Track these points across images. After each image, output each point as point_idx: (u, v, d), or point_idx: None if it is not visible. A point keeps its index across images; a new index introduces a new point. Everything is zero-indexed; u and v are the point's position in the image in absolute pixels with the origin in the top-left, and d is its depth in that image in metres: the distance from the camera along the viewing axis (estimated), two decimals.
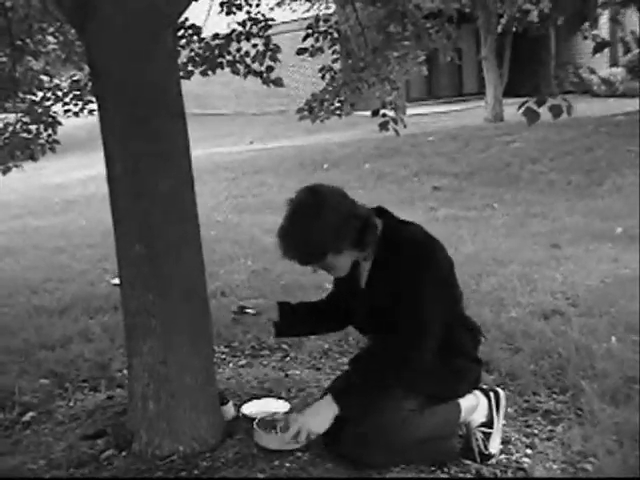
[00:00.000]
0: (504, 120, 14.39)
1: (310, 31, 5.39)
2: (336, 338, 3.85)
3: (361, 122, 14.86)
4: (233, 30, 5.29)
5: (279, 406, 2.98)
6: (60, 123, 5.35)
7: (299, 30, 6.25)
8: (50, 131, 5.34)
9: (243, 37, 5.31)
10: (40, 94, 5.35)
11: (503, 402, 2.72)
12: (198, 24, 5.24)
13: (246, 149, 14.43)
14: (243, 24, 5.36)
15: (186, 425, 2.66)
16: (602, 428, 2.74)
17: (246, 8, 5.53)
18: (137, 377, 2.67)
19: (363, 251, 2.46)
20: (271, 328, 2.90)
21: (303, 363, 3.67)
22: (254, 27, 5.37)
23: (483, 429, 2.61)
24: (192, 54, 5.19)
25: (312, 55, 5.30)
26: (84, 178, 12.05)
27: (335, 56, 5.58)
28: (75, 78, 5.53)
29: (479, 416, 2.63)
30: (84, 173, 12.65)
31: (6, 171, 5.36)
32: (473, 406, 2.61)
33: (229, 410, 2.91)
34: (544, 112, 3.03)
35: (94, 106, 3.19)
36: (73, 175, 12.90)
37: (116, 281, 2.78)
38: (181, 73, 4.78)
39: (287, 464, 2.53)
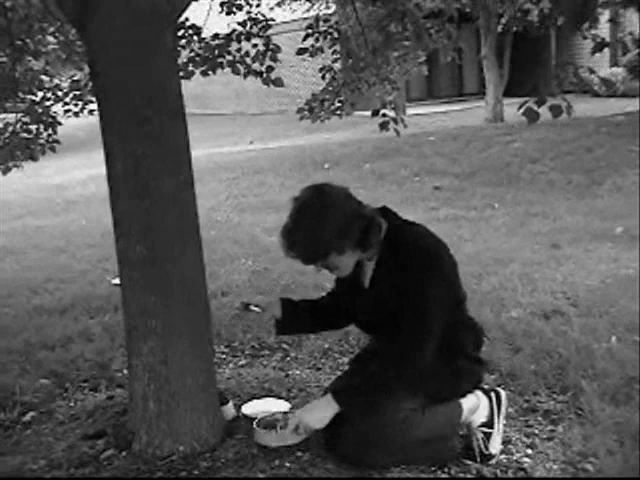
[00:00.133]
0: (504, 120, 14.39)
1: (310, 31, 5.39)
2: (336, 338, 3.85)
3: (361, 122, 14.88)
4: (233, 30, 5.29)
5: (279, 406, 2.99)
6: (60, 123, 5.34)
7: (299, 30, 6.25)
8: (50, 131, 5.33)
9: (243, 37, 5.31)
10: (40, 94, 5.35)
11: (504, 402, 2.72)
12: (198, 24, 5.23)
13: (246, 149, 14.43)
14: (243, 24, 5.35)
15: (186, 425, 2.66)
16: (603, 428, 2.74)
17: (246, 8, 5.53)
18: (137, 377, 2.67)
19: (366, 251, 2.46)
20: (272, 327, 2.89)
21: (303, 363, 3.67)
22: (254, 27, 5.37)
23: (484, 429, 2.61)
24: (192, 54, 5.19)
25: (312, 55, 5.30)
26: (84, 178, 12.04)
27: (335, 56, 5.58)
28: (75, 78, 5.53)
29: (480, 416, 2.63)
30: (84, 173, 12.65)
31: (6, 171, 5.35)
32: (474, 406, 2.61)
33: (229, 410, 2.91)
34: (544, 112, 3.03)
35: (94, 106, 3.19)
36: (73, 175, 12.90)
37: (117, 281, 2.79)
38: (181, 73, 4.77)
39: (287, 464, 2.53)
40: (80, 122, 8.10)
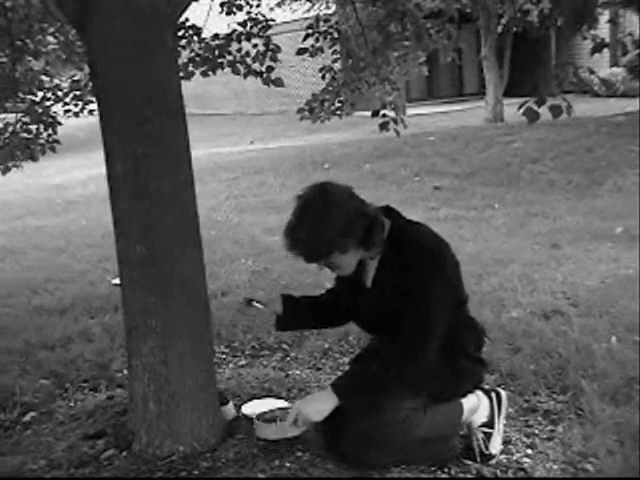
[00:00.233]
0: (504, 120, 14.39)
1: (310, 31, 5.39)
2: (336, 338, 3.85)
3: (361, 122, 14.88)
4: (233, 30, 5.29)
5: (279, 406, 2.98)
6: (60, 123, 5.34)
7: (299, 30, 6.25)
8: (50, 131, 5.33)
9: (243, 37, 5.31)
10: (40, 94, 5.35)
11: (504, 403, 2.72)
12: (198, 24, 5.24)
13: (246, 149, 14.43)
14: (243, 24, 5.35)
15: (186, 425, 2.66)
16: (603, 428, 2.74)
17: (246, 8, 5.53)
18: (138, 377, 2.67)
19: (369, 250, 2.46)
20: (272, 324, 2.89)
21: (303, 363, 3.67)
22: (254, 27, 5.37)
23: (484, 429, 2.61)
24: (192, 54, 5.19)
25: (312, 55, 5.30)
26: (84, 178, 12.05)
27: (335, 56, 5.58)
28: (75, 78, 5.53)
29: (480, 416, 2.63)
30: (84, 173, 12.65)
31: (6, 171, 5.35)
32: (475, 406, 2.61)
33: (229, 410, 2.91)
34: (544, 112, 3.03)
35: (94, 106, 3.19)
36: (73, 175, 12.90)
37: (117, 281, 2.79)
38: (181, 74, 4.77)
39: (288, 464, 2.53)
40: (80, 122, 8.10)
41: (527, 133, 11.29)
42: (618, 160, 9.31)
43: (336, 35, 5.45)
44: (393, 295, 2.43)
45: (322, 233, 2.34)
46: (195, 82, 5.49)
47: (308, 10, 14.07)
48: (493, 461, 2.57)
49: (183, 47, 5.11)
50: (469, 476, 2.50)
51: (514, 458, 2.62)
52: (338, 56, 5.63)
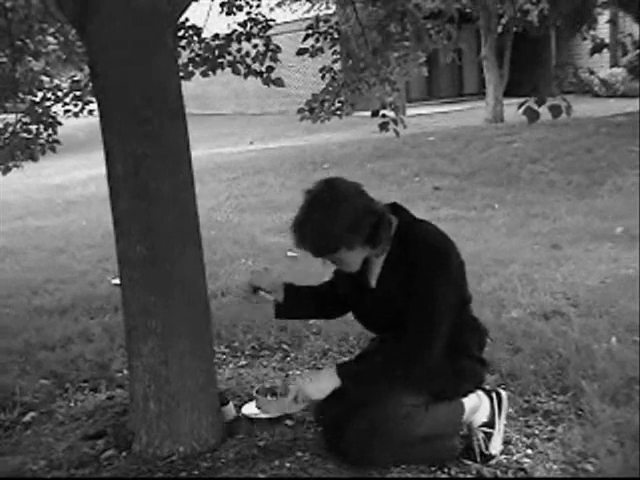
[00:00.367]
0: (504, 120, 14.39)
1: (310, 31, 5.39)
2: (336, 338, 3.85)
3: (361, 122, 14.89)
4: (234, 30, 5.29)
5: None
6: (60, 123, 5.34)
7: (299, 30, 6.25)
8: (50, 131, 5.33)
9: (243, 37, 5.31)
10: (40, 94, 5.35)
11: (505, 404, 2.72)
12: (198, 24, 5.24)
13: (246, 149, 14.43)
14: (243, 24, 5.36)
15: (187, 426, 2.66)
16: (603, 428, 2.74)
17: (246, 9, 5.53)
18: (138, 378, 2.67)
19: (376, 248, 2.46)
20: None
21: (303, 363, 3.67)
22: (254, 27, 5.37)
23: (485, 429, 2.61)
24: (192, 55, 5.19)
25: (312, 55, 5.30)
26: (84, 178, 12.05)
27: (335, 57, 5.58)
28: (75, 79, 5.53)
29: (481, 416, 2.63)
30: (84, 173, 12.65)
31: (6, 171, 5.35)
32: (476, 406, 2.62)
33: (230, 411, 2.91)
34: (544, 112, 3.03)
35: (94, 106, 3.19)
36: (73, 175, 12.90)
37: (117, 281, 2.79)
38: (181, 74, 4.77)
39: (288, 464, 2.54)
40: (80, 122, 8.10)
41: (527, 133, 11.29)
42: (618, 160, 9.32)
43: (336, 35, 5.44)
44: (398, 295, 2.43)
45: (329, 228, 2.34)
46: (195, 82, 5.49)
47: (308, 10, 14.09)
48: (493, 461, 2.57)
49: (183, 47, 5.11)
50: (469, 476, 2.50)
51: (514, 458, 2.62)
52: (338, 56, 5.63)
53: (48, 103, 5.30)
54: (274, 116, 19.74)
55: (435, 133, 12.99)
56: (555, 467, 2.55)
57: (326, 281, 2.83)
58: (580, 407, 2.95)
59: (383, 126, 4.87)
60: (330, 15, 5.96)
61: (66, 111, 5.52)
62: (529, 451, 2.67)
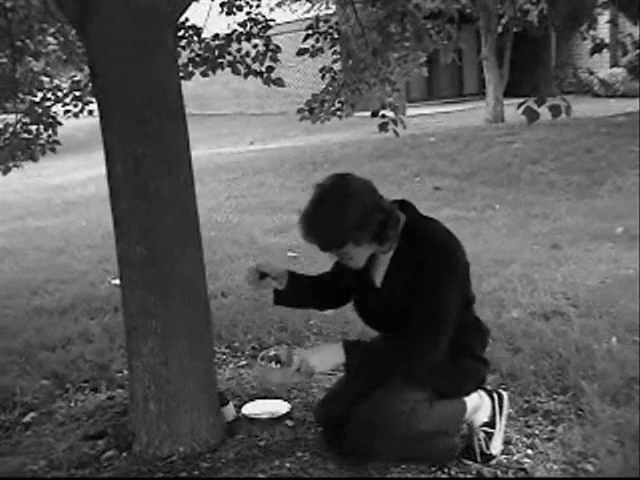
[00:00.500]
0: (504, 120, 14.39)
1: (310, 31, 5.39)
2: (336, 338, 3.85)
3: (361, 123, 14.87)
4: (234, 30, 5.29)
5: (280, 407, 2.99)
6: (60, 123, 5.34)
7: (299, 30, 6.25)
8: (50, 132, 5.33)
9: (243, 37, 5.31)
10: (40, 95, 5.35)
11: (506, 404, 2.72)
12: (198, 24, 5.24)
13: (246, 149, 14.43)
14: (243, 24, 5.36)
15: (187, 426, 2.66)
16: (603, 428, 2.74)
17: (246, 9, 5.53)
18: (138, 378, 2.67)
19: (383, 245, 2.46)
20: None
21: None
22: (254, 27, 5.37)
23: (485, 429, 2.61)
24: (192, 55, 5.19)
25: (312, 56, 5.30)
26: (84, 179, 12.05)
27: (335, 57, 5.58)
28: (75, 79, 5.53)
29: (482, 416, 2.63)
30: (84, 174, 12.65)
31: (6, 171, 5.35)
32: (477, 405, 2.62)
33: (230, 411, 2.91)
34: (544, 112, 3.03)
35: (94, 106, 3.19)
36: (73, 176, 12.90)
37: (117, 282, 2.79)
38: (181, 74, 4.77)
39: (288, 464, 2.54)
40: (80, 123, 8.10)
41: (527, 133, 11.28)
42: (618, 160, 9.32)
43: (336, 35, 5.44)
44: (403, 293, 2.43)
45: (338, 223, 2.34)
46: (195, 82, 5.49)
47: (308, 10, 14.08)
48: (493, 461, 2.57)
49: (183, 47, 5.11)
50: (469, 476, 2.50)
51: (514, 458, 2.62)
52: (338, 57, 5.63)
53: (48, 103, 5.30)
54: (274, 116, 19.74)
55: (435, 133, 12.99)
56: (555, 467, 2.55)
57: (327, 271, 2.82)
58: (580, 407, 2.95)
59: (383, 126, 4.87)
60: (330, 15, 5.96)
61: (66, 111, 5.51)
62: (529, 451, 2.67)
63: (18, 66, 5.05)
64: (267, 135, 16.79)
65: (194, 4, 3.04)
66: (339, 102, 5.57)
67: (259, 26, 5.37)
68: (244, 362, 3.75)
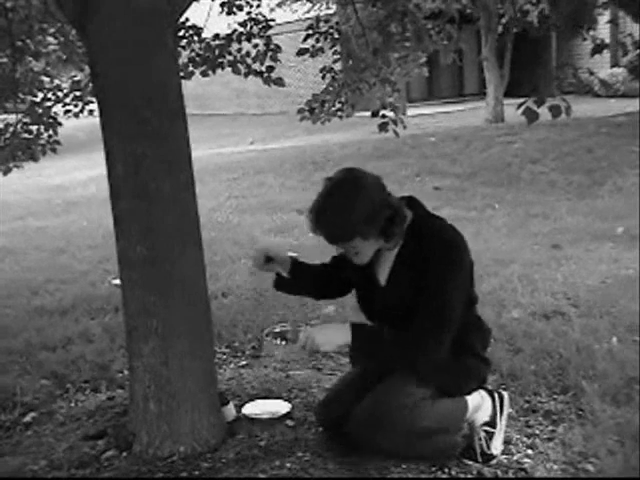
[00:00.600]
0: (505, 120, 14.38)
1: (311, 31, 5.39)
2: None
3: (361, 123, 14.87)
4: (234, 30, 5.29)
5: (280, 407, 2.99)
6: (60, 124, 5.34)
7: (300, 30, 6.25)
8: (51, 132, 5.33)
9: (244, 37, 5.31)
10: (40, 95, 5.35)
11: (507, 405, 2.72)
12: (199, 24, 5.24)
13: (247, 149, 14.43)
14: (244, 24, 5.35)
15: (187, 426, 2.66)
16: (603, 428, 2.74)
17: (246, 9, 5.53)
18: (138, 378, 2.67)
19: (389, 241, 2.47)
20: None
21: (304, 363, 3.66)
22: (255, 27, 5.37)
23: (486, 428, 2.61)
24: (192, 54, 5.19)
25: (313, 56, 5.30)
26: (84, 179, 12.05)
27: (336, 57, 5.58)
28: (76, 79, 5.52)
29: (483, 415, 2.64)
30: (84, 174, 12.65)
31: (7, 172, 5.35)
32: (479, 404, 2.62)
33: (230, 411, 2.91)
34: (545, 112, 3.03)
35: (94, 106, 3.19)
36: (74, 176, 12.90)
37: (117, 282, 2.78)
38: (181, 74, 4.77)
39: (288, 464, 2.54)
40: (80, 123, 8.10)
41: (527, 133, 11.28)
42: (618, 160, 9.31)
43: (337, 36, 5.44)
44: (408, 292, 2.44)
45: (346, 216, 2.35)
46: (195, 82, 5.49)
47: (308, 10, 14.09)
48: (494, 461, 2.57)
49: (183, 47, 5.11)
50: (469, 476, 2.49)
51: (515, 458, 2.62)
52: (339, 57, 5.63)
53: (48, 103, 5.30)
54: (274, 116, 19.74)
55: (435, 133, 12.99)
56: (556, 467, 2.55)
57: (329, 262, 2.82)
58: (581, 407, 2.95)
59: (382, 126, 4.87)
60: (330, 15, 5.97)
61: (66, 111, 5.51)
62: (530, 451, 2.66)
63: (18, 66, 5.05)
64: (267, 135, 16.79)
65: (194, 4, 3.04)
66: (339, 102, 5.56)
67: (259, 26, 5.37)
68: (244, 362, 3.75)
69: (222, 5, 5.49)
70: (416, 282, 2.41)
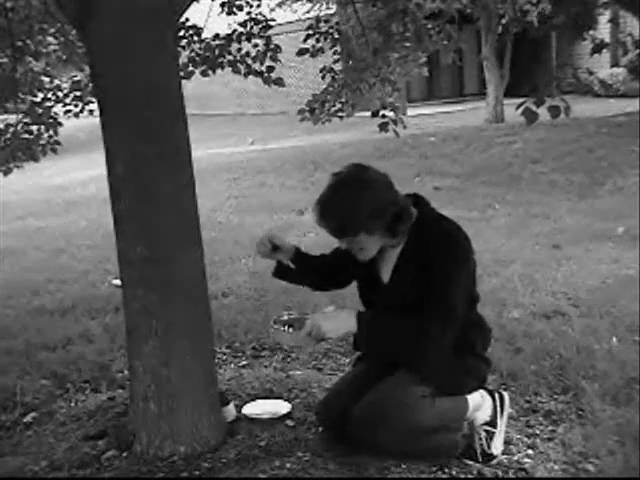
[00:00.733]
0: (505, 120, 14.38)
1: (311, 31, 5.38)
2: (337, 338, 3.84)
3: (362, 123, 14.86)
4: (234, 30, 5.28)
5: (280, 407, 2.99)
6: (61, 124, 5.34)
7: (300, 30, 6.25)
8: (51, 132, 5.33)
9: (244, 37, 5.30)
10: (41, 95, 5.34)
11: (507, 405, 2.72)
12: (199, 24, 5.23)
13: (247, 149, 14.43)
14: (244, 24, 5.35)
15: (187, 426, 2.66)
16: (603, 428, 2.74)
17: (247, 9, 5.52)
18: (138, 378, 2.67)
19: (394, 238, 2.48)
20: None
21: (304, 363, 3.66)
22: (255, 27, 5.36)
23: (486, 428, 2.61)
24: (192, 54, 5.19)
25: (313, 56, 5.29)
26: (85, 179, 12.05)
27: (336, 57, 5.57)
28: (76, 79, 5.52)
29: (484, 415, 2.64)
30: (84, 174, 12.65)
31: (7, 172, 5.35)
32: (479, 404, 2.62)
33: (230, 411, 2.91)
34: (545, 112, 3.03)
35: (94, 106, 3.19)
36: (74, 176, 12.90)
37: (117, 282, 2.79)
38: (181, 73, 4.77)
39: (288, 465, 2.54)
40: (80, 123, 8.09)
41: (528, 133, 11.28)
42: (619, 160, 9.31)
43: (337, 36, 5.43)
44: (410, 290, 2.44)
45: (353, 210, 2.36)
46: (195, 82, 5.48)
47: (309, 10, 14.08)
48: (494, 461, 2.57)
49: (183, 47, 5.11)
50: (470, 476, 2.49)
51: (515, 458, 2.62)
52: (339, 57, 5.63)
53: (49, 103, 5.29)
54: (275, 116, 19.73)
55: (436, 133, 12.98)
56: (556, 467, 2.55)
57: (331, 254, 2.82)
58: (581, 407, 2.95)
59: (383, 126, 4.87)
60: (331, 15, 5.96)
61: (66, 111, 5.51)
62: (530, 451, 2.66)
63: (18, 66, 5.05)
64: (267, 135, 16.78)
65: (194, 4, 3.04)
66: (340, 102, 5.56)
67: (259, 26, 5.36)
68: (245, 362, 3.75)
69: (222, 5, 5.49)
70: (419, 280, 2.42)
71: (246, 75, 5.27)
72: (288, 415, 2.93)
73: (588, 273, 4.93)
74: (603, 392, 3.02)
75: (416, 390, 2.47)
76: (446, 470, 2.51)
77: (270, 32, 5.39)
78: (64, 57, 5.55)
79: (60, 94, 5.41)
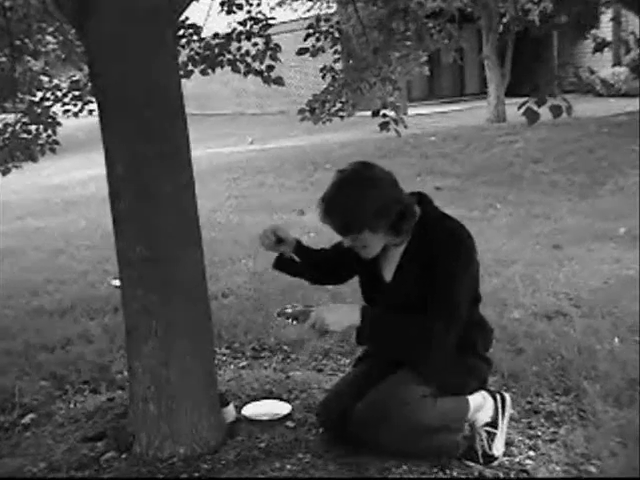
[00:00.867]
0: (506, 120, 14.37)
1: (311, 31, 5.37)
2: (337, 339, 3.84)
3: (362, 122, 14.86)
4: (234, 29, 5.27)
5: (280, 408, 2.98)
6: (59, 123, 5.33)
7: (300, 30, 6.23)
8: (50, 132, 5.31)
9: (243, 36, 5.29)
10: (39, 94, 5.33)
11: (508, 406, 2.71)
12: (198, 24, 5.22)
13: (246, 149, 14.43)
14: (243, 23, 5.34)
15: (187, 427, 2.65)
16: (605, 430, 2.73)
17: (246, 8, 5.51)
18: (138, 379, 2.66)
19: (398, 237, 2.47)
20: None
21: (304, 364, 3.65)
22: (254, 26, 5.35)
23: (488, 429, 2.60)
24: (192, 53, 5.17)
25: (313, 55, 5.28)
26: (84, 179, 12.04)
27: (336, 56, 5.56)
28: (75, 78, 5.51)
29: (485, 416, 2.63)
30: (84, 173, 12.64)
31: (6, 172, 5.33)
32: (480, 404, 2.61)
33: (230, 412, 2.90)
34: (546, 112, 3.02)
35: (94, 106, 3.18)
36: (73, 176, 12.89)
37: (117, 282, 2.77)
38: (181, 72, 4.75)
39: (288, 466, 2.53)
40: (79, 122, 8.08)
41: (529, 133, 11.27)
42: (620, 160, 9.30)
43: (337, 35, 5.42)
44: (413, 289, 2.44)
45: (358, 208, 2.36)
46: (195, 82, 5.47)
47: (309, 9, 14.05)
48: (495, 463, 2.56)
49: (183, 46, 5.10)
50: (471, 477, 2.48)
51: (516, 460, 2.61)
52: (339, 56, 5.61)
53: (47, 103, 5.28)
54: (274, 116, 19.73)
55: (436, 133, 12.98)
56: (558, 468, 2.54)
57: (332, 249, 2.82)
58: (582, 408, 2.94)
59: (383, 126, 4.86)
60: (331, 14, 5.95)
61: (65, 111, 5.50)
62: (531, 452, 2.65)
63: (17, 65, 5.04)
64: (267, 135, 16.78)
65: (194, 3, 3.02)
66: (340, 102, 5.55)
67: (259, 25, 5.35)
68: (245, 363, 3.74)
69: (222, 4, 5.47)
70: (422, 279, 2.41)
71: (246, 74, 5.26)
72: (288, 416, 2.92)
73: (589, 273, 4.92)
74: (605, 393, 3.01)
75: (418, 389, 2.46)
76: (447, 471, 2.50)
77: (270, 31, 5.38)
78: (63, 56, 5.54)
79: (59, 93, 5.39)
